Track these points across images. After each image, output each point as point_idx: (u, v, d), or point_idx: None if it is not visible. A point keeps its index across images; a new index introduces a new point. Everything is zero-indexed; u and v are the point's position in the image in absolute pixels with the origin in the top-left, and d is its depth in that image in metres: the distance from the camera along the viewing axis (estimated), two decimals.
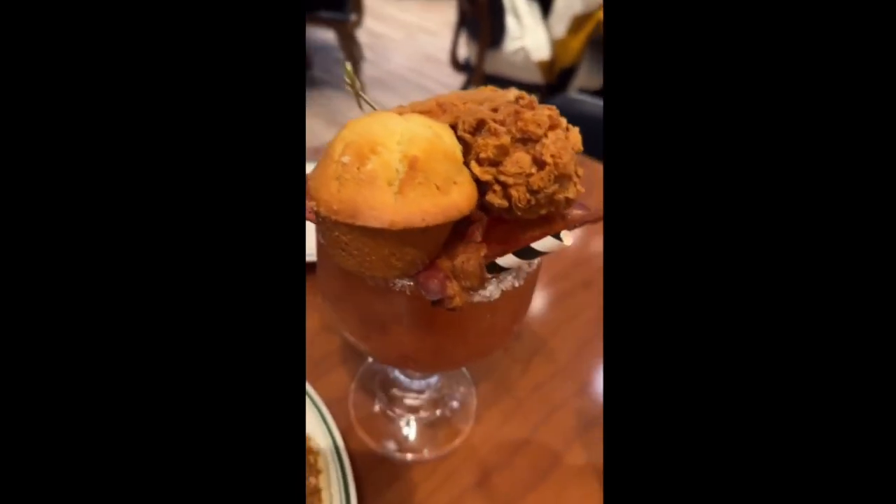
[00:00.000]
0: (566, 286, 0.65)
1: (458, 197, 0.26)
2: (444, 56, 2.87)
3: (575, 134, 0.30)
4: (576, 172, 0.31)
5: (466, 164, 0.28)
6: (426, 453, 0.45)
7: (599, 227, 0.78)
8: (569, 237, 0.25)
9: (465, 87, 2.43)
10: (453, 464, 0.45)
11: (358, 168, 0.24)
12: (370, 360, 0.52)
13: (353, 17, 2.96)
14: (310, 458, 0.38)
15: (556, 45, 2.19)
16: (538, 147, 0.28)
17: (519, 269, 0.30)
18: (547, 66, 2.24)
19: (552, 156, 0.28)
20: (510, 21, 2.22)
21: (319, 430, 0.41)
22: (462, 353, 0.33)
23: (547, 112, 0.28)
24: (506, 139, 0.27)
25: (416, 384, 0.47)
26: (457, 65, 2.59)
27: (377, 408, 0.48)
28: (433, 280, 0.26)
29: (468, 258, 0.25)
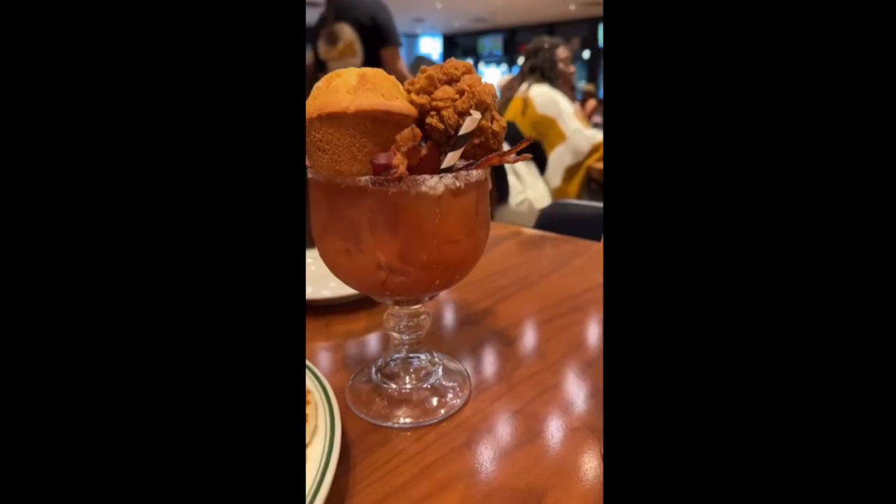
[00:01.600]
0: (560, 307, 0.69)
1: (400, 104, 0.36)
2: None
3: (490, 85, 0.42)
4: (495, 108, 0.42)
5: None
6: (417, 422, 0.46)
7: (593, 256, 0.84)
8: (477, 114, 0.35)
9: None
10: (443, 430, 0.45)
11: (326, 85, 0.36)
12: (363, 370, 0.55)
13: None
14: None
15: (555, 193, 2.47)
16: (458, 84, 0.40)
17: (459, 173, 0.39)
18: None
19: (469, 86, 0.39)
20: (512, 180, 2.56)
21: (312, 385, 0.44)
22: (423, 256, 0.39)
23: (463, 63, 0.40)
24: (431, 72, 0.39)
25: (405, 360, 0.50)
26: None
27: (371, 393, 0.50)
28: (382, 154, 0.35)
29: (403, 132, 0.35)
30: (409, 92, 0.40)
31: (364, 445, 0.44)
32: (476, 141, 0.41)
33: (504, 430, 0.45)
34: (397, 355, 0.51)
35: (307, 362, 0.48)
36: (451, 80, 0.40)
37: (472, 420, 0.47)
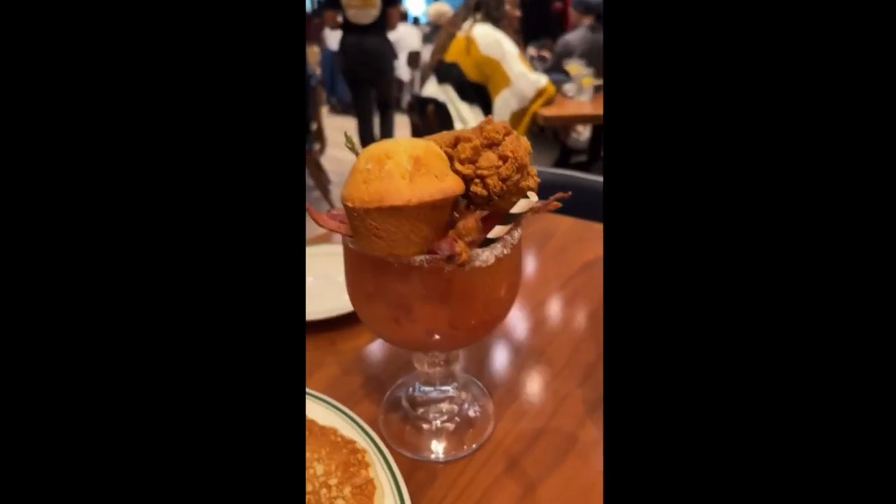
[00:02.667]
0: (553, 304, 0.73)
1: (452, 182, 0.36)
2: None
3: (524, 140, 0.42)
4: (530, 166, 0.42)
5: (451, 168, 0.39)
6: (456, 454, 0.49)
7: (590, 242, 0.88)
8: (533, 195, 0.35)
9: None
10: (482, 458, 0.49)
11: (379, 169, 0.34)
12: (395, 384, 0.57)
13: (316, 146, 3.27)
14: (357, 456, 0.43)
15: None
16: (501, 147, 0.39)
17: (505, 240, 0.39)
18: None
19: (512, 151, 0.39)
20: (457, 126, 2.52)
21: (358, 436, 0.46)
22: (473, 320, 0.41)
23: (502, 124, 0.39)
24: (477, 142, 0.38)
25: (436, 393, 0.52)
26: None
27: (406, 427, 0.53)
28: (444, 242, 0.34)
29: (466, 221, 0.35)
30: (447, 154, 0.39)
31: (415, 483, 0.47)
32: (514, 199, 0.41)
33: (541, 450, 0.50)
34: (426, 388, 0.53)
35: (343, 408, 0.49)
36: (492, 144, 0.39)
37: (507, 440, 0.51)
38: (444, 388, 0.53)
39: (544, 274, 0.82)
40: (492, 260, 0.38)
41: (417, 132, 2.72)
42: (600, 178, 1.15)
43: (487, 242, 0.38)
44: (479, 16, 2.36)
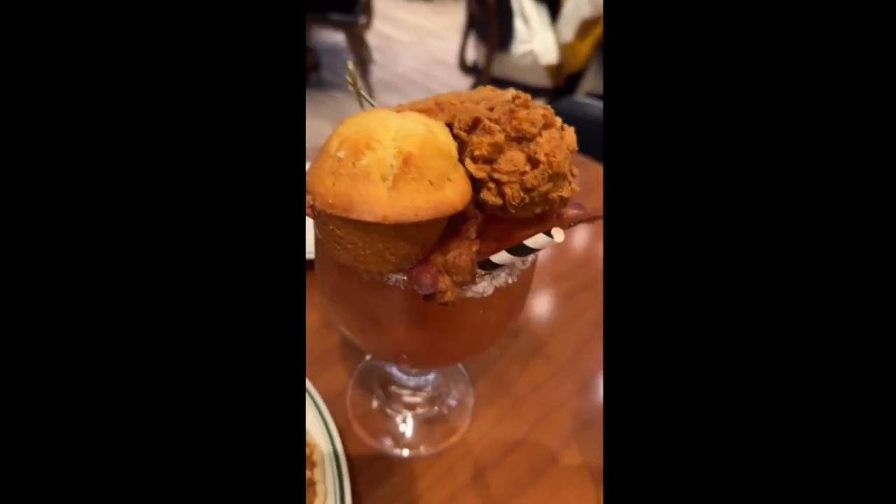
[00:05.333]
0: (567, 288, 0.65)
1: (452, 193, 0.26)
2: (453, 59, 2.88)
3: (570, 134, 0.30)
4: (570, 171, 0.32)
5: (462, 161, 0.29)
6: (422, 450, 0.45)
7: (600, 228, 0.78)
8: (560, 234, 0.25)
9: (473, 89, 2.43)
10: (448, 461, 0.45)
11: (353, 163, 0.24)
12: (368, 357, 0.52)
13: (362, 19, 2.99)
14: (307, 451, 0.39)
15: (565, 49, 2.19)
16: (532, 146, 0.28)
17: (513, 266, 0.30)
18: (555, 70, 2.24)
19: (546, 154, 0.28)
20: (518, 24, 2.23)
21: (317, 425, 0.41)
22: (456, 349, 0.33)
23: (541, 111, 0.28)
24: (500, 137, 0.27)
25: (413, 381, 0.47)
26: (465, 68, 2.60)
27: (375, 404, 0.48)
28: (426, 275, 0.26)
29: (460, 253, 0.26)
30: (460, 148, 0.29)
31: (368, 477, 0.43)
32: (538, 210, 0.31)
33: (510, 464, 0.45)
34: (398, 372, 0.48)
35: (307, 384, 0.45)
36: (522, 139, 0.28)
37: (477, 447, 0.46)
38: (422, 375, 0.48)
39: (566, 273, 0.72)
40: (490, 291, 0.29)
41: (472, 22, 2.42)
42: None
43: (489, 265, 0.30)
44: None
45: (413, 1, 4.93)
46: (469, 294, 0.29)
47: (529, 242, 0.27)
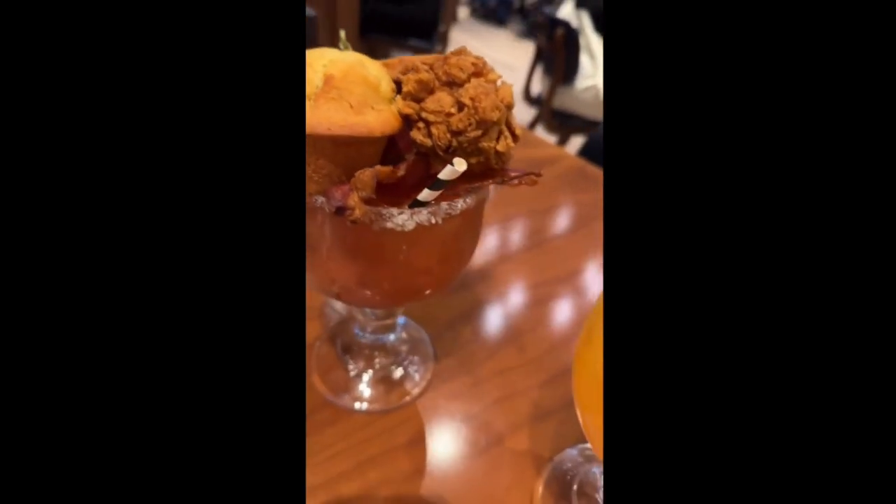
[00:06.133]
0: (553, 286, 0.64)
1: (373, 120, 0.28)
2: (518, 90, 2.94)
3: (506, 88, 0.32)
4: (509, 126, 0.33)
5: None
6: (368, 406, 0.46)
7: (600, 234, 0.77)
8: (462, 164, 0.27)
9: (534, 121, 2.47)
10: (393, 421, 0.46)
11: None
12: (336, 308, 0.55)
13: (438, 48, 3.14)
14: None
15: None
16: (460, 91, 0.30)
17: (437, 207, 0.32)
18: None
19: (472, 98, 0.30)
20: (584, 59, 2.26)
21: None
22: (387, 286, 0.35)
23: (472, 59, 0.30)
24: (425, 75, 0.29)
25: (373, 338, 0.49)
26: (529, 99, 2.64)
27: (337, 361, 0.50)
28: (338, 190, 0.28)
29: (364, 171, 0.28)
30: (395, 83, 0.31)
31: (312, 422, 0.45)
32: (472, 161, 0.33)
33: (453, 435, 0.46)
34: (359, 332, 0.50)
35: None
36: (451, 83, 0.31)
37: (425, 414, 0.47)
38: (381, 336, 0.49)
39: (568, 251, 0.72)
40: (411, 226, 0.31)
41: (540, 55, 2.48)
42: None
43: (416, 204, 0.31)
44: None
45: (493, 30, 5.10)
46: (389, 225, 0.31)
47: (441, 175, 0.29)
